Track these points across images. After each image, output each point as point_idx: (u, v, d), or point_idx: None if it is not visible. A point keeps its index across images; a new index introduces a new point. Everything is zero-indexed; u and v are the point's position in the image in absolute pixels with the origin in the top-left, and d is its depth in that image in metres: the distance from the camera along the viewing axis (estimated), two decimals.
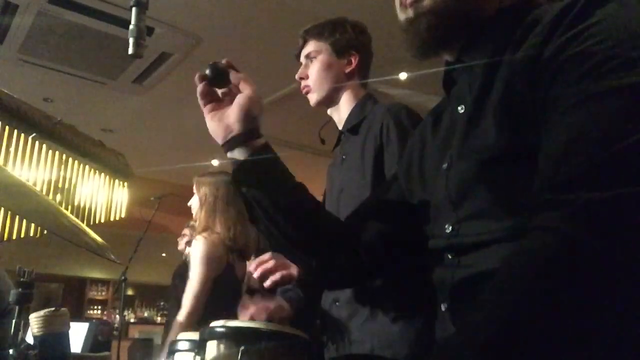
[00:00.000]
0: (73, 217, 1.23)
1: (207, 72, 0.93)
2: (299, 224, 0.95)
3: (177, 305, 2.83)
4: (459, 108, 0.80)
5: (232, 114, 0.91)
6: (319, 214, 1.01)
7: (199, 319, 2.28)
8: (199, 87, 0.93)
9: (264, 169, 0.93)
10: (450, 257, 0.78)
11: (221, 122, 0.92)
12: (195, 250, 2.38)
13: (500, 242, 0.69)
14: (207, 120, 0.93)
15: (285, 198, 0.93)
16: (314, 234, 0.97)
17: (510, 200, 0.68)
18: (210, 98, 0.93)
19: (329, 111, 1.69)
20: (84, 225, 1.19)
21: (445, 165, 0.82)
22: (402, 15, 0.84)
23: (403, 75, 4.16)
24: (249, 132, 0.91)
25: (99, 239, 1.14)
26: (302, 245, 0.99)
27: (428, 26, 0.79)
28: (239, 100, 0.91)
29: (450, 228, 0.77)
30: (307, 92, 1.64)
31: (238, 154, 0.92)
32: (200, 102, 0.94)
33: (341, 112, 1.65)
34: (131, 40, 0.90)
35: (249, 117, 0.91)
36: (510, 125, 0.69)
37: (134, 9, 0.91)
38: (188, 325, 2.24)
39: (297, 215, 0.95)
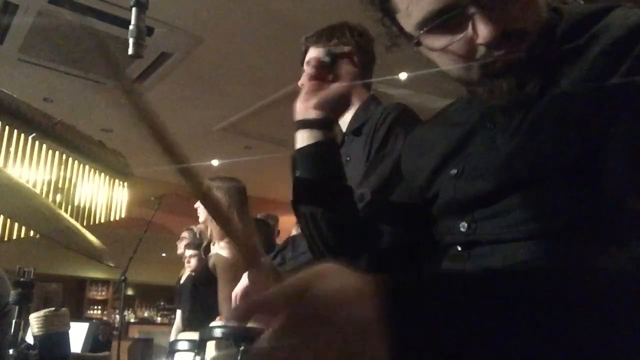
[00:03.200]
0: (71, 220, 1.22)
1: (326, 58, 0.97)
2: (339, 223, 0.93)
3: (201, 311, 2.89)
4: (489, 125, 0.77)
5: (321, 97, 0.93)
6: (356, 217, 0.99)
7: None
8: (315, 70, 0.95)
9: (324, 157, 0.93)
10: (459, 249, 0.77)
11: (309, 102, 0.94)
12: (223, 258, 2.45)
13: (518, 241, 0.68)
14: (302, 95, 0.95)
15: (333, 192, 0.93)
16: (347, 235, 0.95)
17: (533, 208, 0.68)
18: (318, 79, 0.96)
19: None
20: (81, 228, 1.18)
21: (454, 172, 0.79)
22: (480, 73, 0.74)
23: (403, 75, 4.16)
24: (325, 120, 0.93)
25: (96, 241, 1.14)
26: (336, 242, 0.95)
27: (541, 83, 0.72)
28: (333, 87, 0.93)
29: (466, 226, 0.76)
30: None
31: (306, 136, 0.93)
32: (309, 80, 0.96)
33: (345, 115, 1.66)
34: (131, 41, 0.90)
35: (333, 106, 0.93)
36: (549, 149, 0.67)
37: (134, 9, 0.91)
38: None
39: (339, 213, 0.93)
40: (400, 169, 0.97)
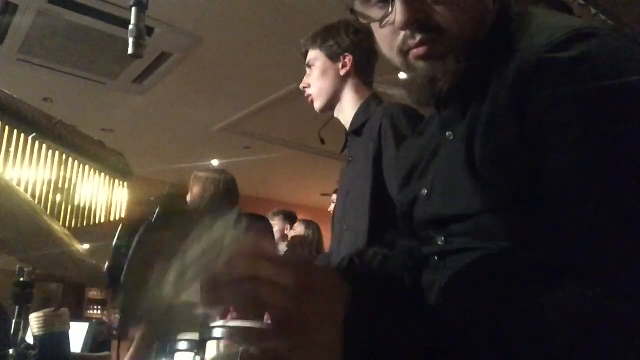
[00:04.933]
0: (63, 233, 1.13)
1: None
2: None
3: None
4: (448, 134, 0.78)
5: None
6: None
7: None
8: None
9: None
10: (436, 259, 0.79)
11: None
12: None
13: (483, 247, 0.71)
14: None
15: None
16: None
17: (494, 220, 0.69)
18: None
19: (335, 114, 1.71)
20: (75, 245, 1.10)
21: (424, 192, 0.81)
22: (400, 61, 0.77)
23: (403, 75, 4.16)
24: None
25: (88, 260, 1.08)
26: None
27: (450, 83, 0.73)
28: None
29: (442, 240, 0.78)
30: (311, 101, 1.68)
31: None
32: None
33: (346, 114, 1.67)
34: (131, 41, 0.90)
35: None
36: (493, 163, 0.68)
37: (134, 9, 0.91)
38: None
39: None
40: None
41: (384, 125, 1.51)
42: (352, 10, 0.77)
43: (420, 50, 0.73)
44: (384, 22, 0.73)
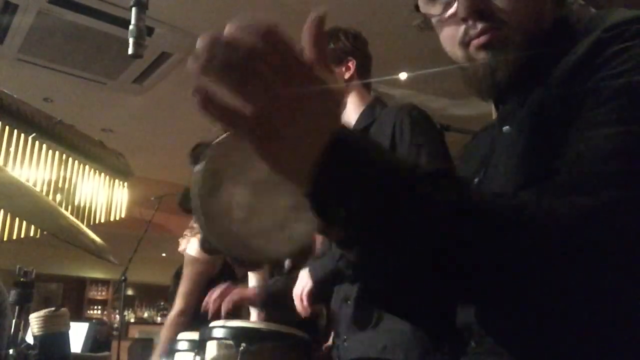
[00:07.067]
0: (72, 218, 1.23)
1: None
2: None
3: None
4: (505, 129, 0.79)
5: None
6: None
7: (192, 316, 2.32)
8: None
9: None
10: None
11: None
12: (189, 251, 2.48)
13: None
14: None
15: None
16: None
17: None
18: None
19: None
20: (83, 226, 1.18)
21: (476, 180, 0.83)
22: (462, 54, 0.78)
23: (403, 75, 4.16)
24: None
25: (98, 239, 1.14)
26: None
27: (510, 73, 0.74)
28: None
29: None
30: None
31: None
32: None
33: (349, 116, 1.68)
34: (131, 41, 0.90)
35: None
36: (540, 153, 0.69)
37: (134, 9, 0.91)
38: (180, 323, 2.28)
39: None
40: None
41: (399, 122, 1.52)
42: (417, 7, 0.81)
43: (482, 39, 0.75)
44: (448, 15, 0.77)
